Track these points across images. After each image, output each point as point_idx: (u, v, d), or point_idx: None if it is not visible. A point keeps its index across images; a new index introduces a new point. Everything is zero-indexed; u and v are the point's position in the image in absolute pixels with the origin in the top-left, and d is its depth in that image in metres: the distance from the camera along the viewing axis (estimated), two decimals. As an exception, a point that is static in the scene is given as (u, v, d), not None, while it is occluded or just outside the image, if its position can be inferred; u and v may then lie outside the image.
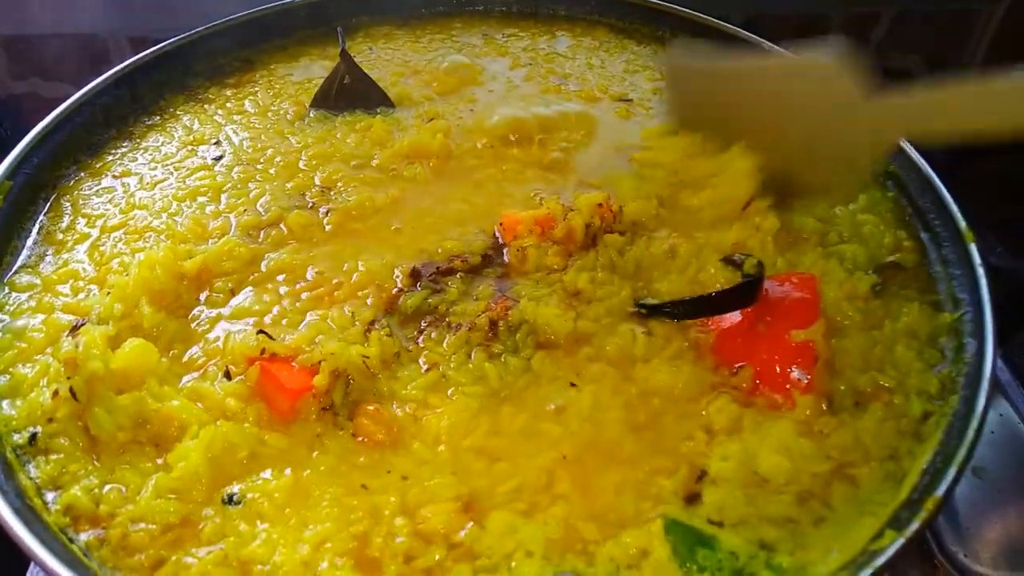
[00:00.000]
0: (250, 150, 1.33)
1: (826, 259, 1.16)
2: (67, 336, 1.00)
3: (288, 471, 0.92)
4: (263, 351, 1.00)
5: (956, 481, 0.87)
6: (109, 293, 1.05)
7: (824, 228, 1.21)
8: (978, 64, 2.14)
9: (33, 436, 0.93)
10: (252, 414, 0.96)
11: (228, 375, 1.00)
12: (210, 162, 1.30)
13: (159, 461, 0.93)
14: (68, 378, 0.92)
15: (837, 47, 1.05)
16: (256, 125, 1.38)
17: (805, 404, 0.99)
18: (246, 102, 1.44)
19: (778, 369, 1.00)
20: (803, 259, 1.15)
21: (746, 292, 1.02)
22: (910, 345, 1.08)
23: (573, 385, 1.01)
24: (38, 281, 1.11)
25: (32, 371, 0.99)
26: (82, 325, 1.00)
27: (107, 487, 0.90)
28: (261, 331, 1.02)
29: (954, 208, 1.17)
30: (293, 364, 0.99)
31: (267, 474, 0.92)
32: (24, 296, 1.09)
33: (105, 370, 0.93)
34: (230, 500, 0.90)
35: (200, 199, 1.23)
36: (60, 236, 1.18)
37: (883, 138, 1.10)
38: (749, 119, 1.14)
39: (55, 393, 0.92)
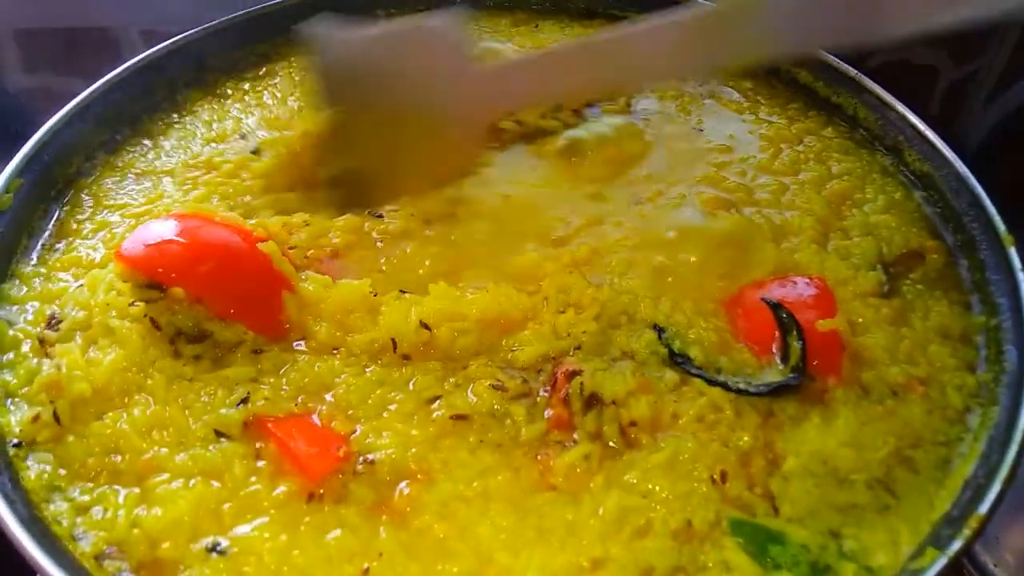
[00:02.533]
0: (278, 142, 1.28)
1: (824, 257, 1.13)
2: (42, 329, 1.00)
3: (283, 535, 0.86)
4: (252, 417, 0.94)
5: (1001, 498, 0.84)
6: (84, 284, 1.04)
7: (821, 227, 1.18)
8: (1005, 58, 2.10)
9: (18, 444, 0.92)
10: (263, 479, 0.90)
11: (222, 434, 0.93)
12: (232, 156, 1.27)
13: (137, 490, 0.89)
14: (51, 402, 0.92)
15: (454, 14, 1.03)
16: (280, 116, 1.35)
17: (844, 395, 0.98)
18: (264, 94, 1.40)
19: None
20: (799, 257, 1.13)
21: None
22: (943, 343, 1.05)
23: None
24: (38, 285, 1.09)
25: (14, 377, 0.97)
26: (58, 322, 1.00)
27: (92, 508, 0.88)
28: (242, 401, 0.95)
29: (992, 209, 1.13)
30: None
31: (258, 525, 0.87)
32: (23, 291, 1.07)
33: (91, 392, 0.93)
34: (214, 549, 0.84)
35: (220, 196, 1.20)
36: (73, 226, 1.17)
37: (487, 105, 1.06)
38: (378, 89, 1.04)
39: (36, 417, 0.91)
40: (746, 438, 0.93)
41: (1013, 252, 1.07)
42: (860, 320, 1.06)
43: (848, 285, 1.10)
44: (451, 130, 1.04)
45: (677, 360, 1.01)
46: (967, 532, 0.82)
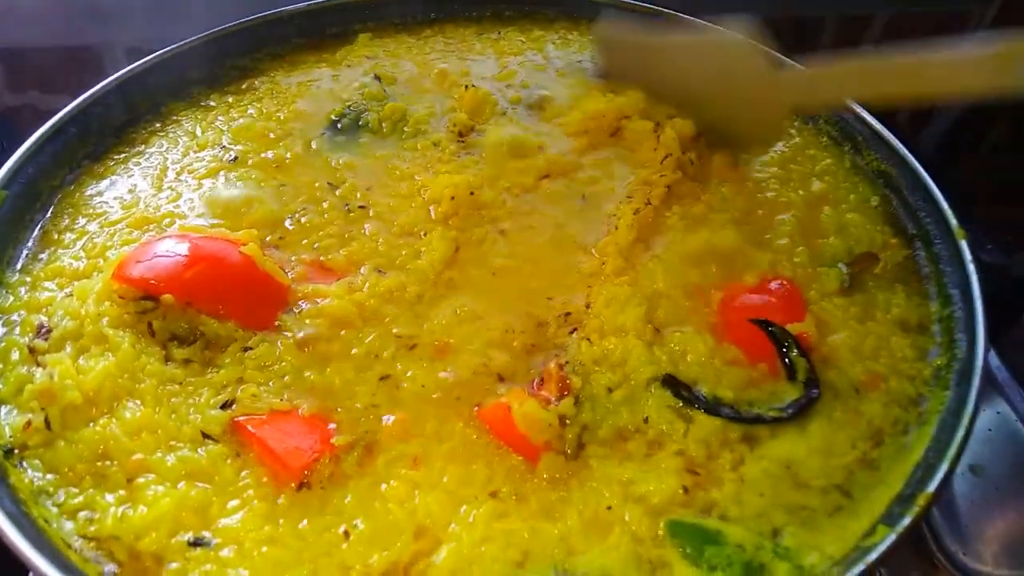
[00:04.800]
0: (261, 151, 1.32)
1: (795, 255, 1.17)
2: (32, 338, 1.02)
3: (266, 526, 0.88)
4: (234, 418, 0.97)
5: (948, 477, 0.87)
6: (72, 294, 1.05)
7: (800, 228, 1.21)
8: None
9: (9, 451, 0.94)
10: (246, 477, 0.93)
11: (208, 436, 0.95)
12: (211, 164, 1.30)
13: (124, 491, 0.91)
14: (43, 409, 0.94)
15: (747, 23, 1.22)
16: (260, 126, 1.38)
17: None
18: (248, 107, 1.43)
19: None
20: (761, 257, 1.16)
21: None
22: (903, 335, 1.09)
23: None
24: (24, 294, 1.11)
25: (3, 384, 0.99)
26: (48, 332, 1.02)
27: (80, 511, 0.90)
28: (226, 403, 0.97)
29: (944, 205, 1.17)
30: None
31: (239, 518, 0.89)
32: (9, 300, 1.09)
33: (83, 399, 0.95)
34: (197, 543, 0.87)
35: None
36: (56, 236, 1.19)
37: (786, 102, 1.28)
38: (673, 87, 1.31)
39: (28, 424, 0.93)
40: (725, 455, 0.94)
41: (964, 245, 1.12)
42: (829, 321, 1.08)
43: (812, 285, 1.13)
44: (749, 116, 1.26)
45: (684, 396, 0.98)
46: (916, 509, 0.86)
